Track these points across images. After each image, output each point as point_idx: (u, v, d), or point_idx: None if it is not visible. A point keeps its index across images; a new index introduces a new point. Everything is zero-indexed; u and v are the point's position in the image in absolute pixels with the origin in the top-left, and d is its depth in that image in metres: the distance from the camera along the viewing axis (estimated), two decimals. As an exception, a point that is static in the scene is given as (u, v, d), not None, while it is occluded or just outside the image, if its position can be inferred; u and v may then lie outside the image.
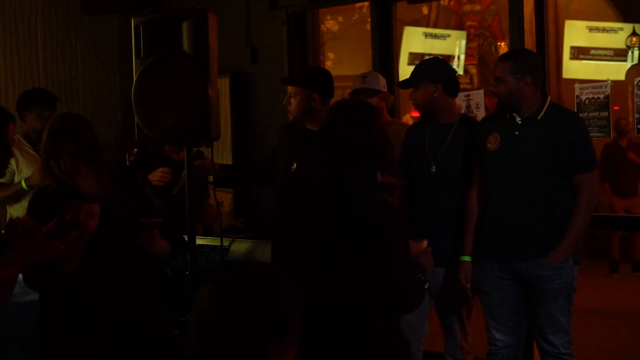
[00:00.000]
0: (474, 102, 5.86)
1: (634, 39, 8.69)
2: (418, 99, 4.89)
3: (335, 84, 5.09)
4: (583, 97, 5.06)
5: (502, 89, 4.57)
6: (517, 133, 4.58)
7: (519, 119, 4.60)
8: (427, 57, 5.34)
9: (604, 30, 8.42)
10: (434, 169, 4.86)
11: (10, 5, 7.66)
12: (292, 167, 4.79)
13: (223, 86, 7.03)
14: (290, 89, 4.88)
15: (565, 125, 4.52)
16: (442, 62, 5.13)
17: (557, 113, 4.60)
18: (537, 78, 4.61)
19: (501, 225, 4.60)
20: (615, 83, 5.27)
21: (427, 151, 4.90)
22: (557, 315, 4.52)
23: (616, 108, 5.23)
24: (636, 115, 5.07)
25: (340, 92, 5.92)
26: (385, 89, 5.60)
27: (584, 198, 4.50)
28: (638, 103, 5.04)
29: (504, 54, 4.89)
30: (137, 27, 4.17)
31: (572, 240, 4.51)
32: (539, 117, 4.57)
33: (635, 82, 5.08)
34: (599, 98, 5.07)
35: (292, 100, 4.87)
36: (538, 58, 4.77)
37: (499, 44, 10.09)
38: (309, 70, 5.05)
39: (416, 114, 8.45)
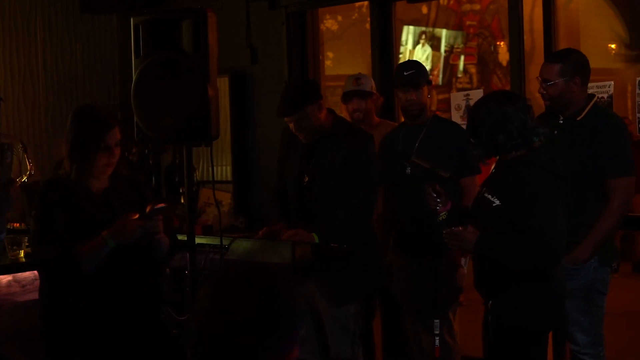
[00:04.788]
0: (474, 101, 5.85)
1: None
2: (421, 100, 4.97)
3: (334, 84, 5.09)
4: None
5: (552, 91, 4.53)
6: (555, 132, 4.49)
7: (561, 118, 4.58)
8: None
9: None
10: (408, 170, 4.90)
11: (10, 5, 7.66)
12: (305, 180, 4.75)
13: (222, 86, 7.03)
14: (294, 118, 4.67)
15: (601, 128, 4.47)
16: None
17: (597, 115, 4.55)
18: (586, 78, 4.58)
19: None
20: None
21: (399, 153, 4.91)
22: (576, 315, 4.48)
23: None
24: (637, 115, 5.05)
25: (339, 92, 5.92)
26: (375, 91, 5.61)
27: (614, 203, 4.44)
28: (639, 102, 5.02)
29: (552, 56, 4.83)
30: (136, 27, 4.17)
31: (592, 243, 4.45)
32: (578, 118, 4.54)
33: (637, 82, 5.06)
34: (602, 97, 5.06)
35: (304, 124, 4.67)
36: (585, 56, 4.69)
37: (498, 43, 10.08)
38: (297, 87, 4.92)
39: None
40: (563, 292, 3.95)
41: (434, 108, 9.18)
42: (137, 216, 3.66)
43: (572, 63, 4.53)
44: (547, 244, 3.72)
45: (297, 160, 4.79)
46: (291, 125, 4.72)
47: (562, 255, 3.81)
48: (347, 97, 5.51)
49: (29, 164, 5.74)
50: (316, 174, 4.70)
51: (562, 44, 5.60)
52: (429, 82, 5.05)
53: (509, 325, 3.89)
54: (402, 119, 5.72)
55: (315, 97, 4.69)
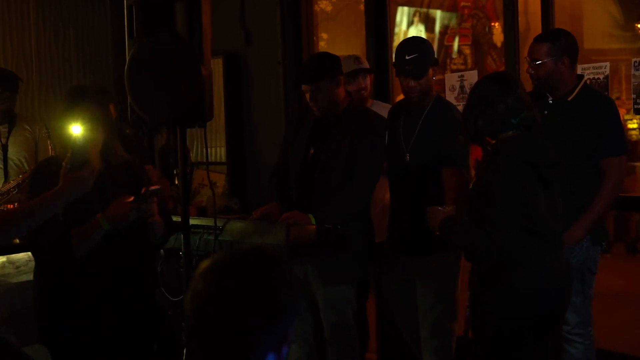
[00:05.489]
0: (468, 82, 5.86)
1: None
2: (424, 86, 4.56)
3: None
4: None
5: (540, 71, 4.53)
6: (546, 112, 4.48)
7: (551, 99, 4.57)
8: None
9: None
10: (407, 157, 4.62)
11: (2, -13, 7.64)
12: (310, 152, 4.74)
13: (216, 67, 7.02)
14: (312, 87, 4.64)
15: (593, 108, 4.47)
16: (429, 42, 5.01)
17: (588, 95, 4.55)
18: (574, 58, 4.58)
19: None
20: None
21: (401, 138, 4.68)
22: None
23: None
24: (633, 96, 5.06)
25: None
26: None
27: (608, 183, 4.44)
28: (635, 83, 5.03)
29: (541, 35, 4.77)
30: (129, 8, 4.15)
31: (587, 223, 4.46)
32: (569, 99, 4.53)
33: (633, 63, 5.06)
34: (599, 78, 5.07)
35: (320, 97, 4.65)
36: (574, 38, 4.69)
37: (492, 24, 10.08)
38: (320, 58, 4.87)
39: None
40: (543, 286, 3.77)
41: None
42: (131, 199, 3.65)
43: (561, 43, 4.54)
44: (494, 238, 3.63)
45: (306, 137, 4.77)
46: (307, 96, 4.70)
47: (506, 252, 3.66)
48: (351, 76, 5.45)
49: (51, 149, 5.78)
50: (323, 149, 4.69)
51: (559, 26, 5.59)
52: (435, 63, 4.63)
53: (480, 324, 3.84)
54: (397, 99, 5.70)
55: (336, 72, 4.68)
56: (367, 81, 5.48)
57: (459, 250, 4.35)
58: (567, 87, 4.56)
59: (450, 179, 4.42)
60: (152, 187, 3.71)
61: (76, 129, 3.45)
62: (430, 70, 4.56)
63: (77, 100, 3.72)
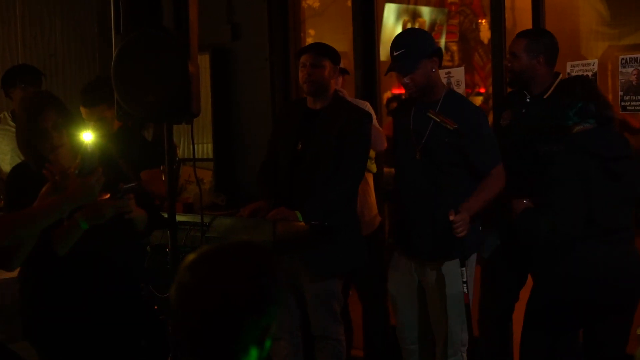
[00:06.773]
0: (455, 79, 5.86)
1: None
2: (417, 81, 4.48)
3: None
4: (573, 75, 5.09)
5: (516, 65, 4.67)
6: (524, 111, 4.66)
7: (529, 97, 4.68)
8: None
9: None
10: (418, 155, 4.51)
11: (-12, -19, 7.59)
12: (298, 147, 4.74)
13: (203, 63, 6.99)
14: (314, 59, 4.76)
15: None
16: (425, 32, 5.04)
17: None
18: (551, 59, 4.70)
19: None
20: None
21: (410, 135, 4.57)
22: None
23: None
24: (620, 93, 5.08)
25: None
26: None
27: None
28: (622, 80, 5.05)
29: (522, 31, 4.91)
30: (116, 2, 4.14)
31: None
32: (545, 96, 4.63)
33: (620, 60, 5.08)
34: (587, 75, 5.10)
35: (317, 71, 4.72)
36: (555, 40, 4.80)
37: (480, 21, 10.06)
38: (326, 44, 4.91)
39: (398, 90, 8.47)
40: (585, 276, 4.05)
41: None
42: (108, 196, 3.62)
43: (539, 42, 4.72)
44: (556, 225, 3.98)
45: (293, 132, 4.79)
46: (303, 73, 4.74)
47: (565, 239, 3.99)
48: None
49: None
50: (310, 143, 4.70)
51: (549, 23, 5.60)
52: (433, 54, 4.50)
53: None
54: (385, 99, 5.68)
55: (337, 61, 4.83)
56: (339, 81, 5.47)
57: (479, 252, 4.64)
58: (544, 85, 4.70)
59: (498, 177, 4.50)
60: (128, 185, 3.69)
61: (87, 136, 3.47)
62: (426, 64, 4.45)
63: (41, 107, 3.71)
